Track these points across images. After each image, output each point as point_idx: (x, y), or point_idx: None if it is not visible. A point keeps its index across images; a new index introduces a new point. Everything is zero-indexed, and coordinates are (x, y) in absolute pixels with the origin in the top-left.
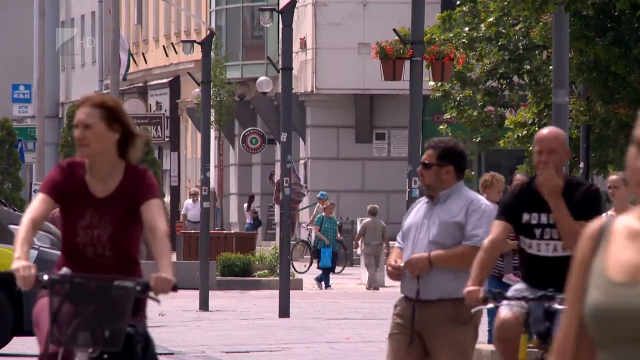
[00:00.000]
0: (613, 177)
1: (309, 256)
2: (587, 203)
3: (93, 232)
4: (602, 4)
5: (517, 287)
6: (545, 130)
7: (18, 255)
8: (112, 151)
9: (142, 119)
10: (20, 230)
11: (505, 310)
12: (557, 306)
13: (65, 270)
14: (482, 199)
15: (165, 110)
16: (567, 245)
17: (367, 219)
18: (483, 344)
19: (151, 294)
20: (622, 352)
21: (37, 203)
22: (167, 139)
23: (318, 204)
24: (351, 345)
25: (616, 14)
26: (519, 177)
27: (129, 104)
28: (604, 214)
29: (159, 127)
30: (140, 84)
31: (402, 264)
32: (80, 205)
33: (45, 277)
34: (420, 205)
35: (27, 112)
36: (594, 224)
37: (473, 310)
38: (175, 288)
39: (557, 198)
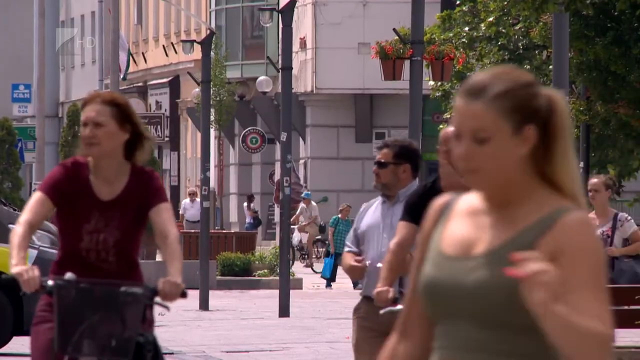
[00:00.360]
0: (593, 180)
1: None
2: None
3: (99, 237)
4: (602, 4)
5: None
6: (451, 128)
7: (16, 262)
8: (119, 152)
9: (142, 119)
10: (16, 234)
11: None
12: None
13: (70, 275)
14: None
15: (165, 110)
16: None
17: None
18: None
19: (159, 299)
20: (452, 326)
21: (35, 204)
22: (167, 139)
23: (302, 204)
24: (351, 345)
25: (616, 13)
26: None
27: None
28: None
29: (158, 127)
30: (140, 84)
31: (368, 263)
32: (85, 208)
33: (50, 282)
34: (376, 206)
35: (27, 111)
36: (439, 200)
37: (382, 311)
38: (184, 294)
39: None
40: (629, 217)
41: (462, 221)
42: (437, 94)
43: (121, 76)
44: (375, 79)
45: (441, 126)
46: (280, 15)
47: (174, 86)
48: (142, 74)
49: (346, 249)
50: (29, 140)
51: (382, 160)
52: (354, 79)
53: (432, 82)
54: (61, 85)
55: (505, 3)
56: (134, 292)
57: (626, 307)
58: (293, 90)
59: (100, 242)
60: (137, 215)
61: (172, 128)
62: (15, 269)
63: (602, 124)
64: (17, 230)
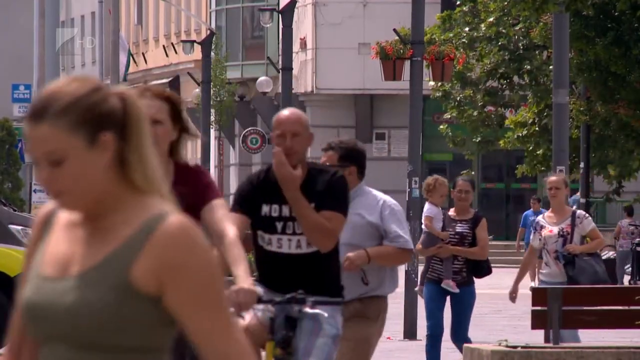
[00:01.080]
0: (553, 177)
1: None
2: (331, 192)
3: None
4: (602, 4)
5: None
6: (286, 112)
7: None
8: (166, 151)
9: None
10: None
11: (249, 316)
12: (307, 310)
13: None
14: (388, 198)
15: None
16: (311, 241)
17: None
18: (483, 344)
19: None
20: (50, 349)
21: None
22: None
23: None
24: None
25: (616, 14)
26: (461, 182)
27: None
28: (538, 217)
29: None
30: (140, 84)
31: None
32: None
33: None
34: None
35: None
36: (43, 210)
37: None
38: (260, 299)
39: (293, 188)
40: (587, 215)
41: (61, 235)
42: (437, 94)
43: (121, 77)
44: (376, 79)
45: (441, 126)
46: (280, 15)
47: (174, 86)
48: (142, 75)
49: None
50: None
51: (328, 164)
52: (354, 79)
53: (432, 83)
54: None
55: (506, 3)
56: None
57: (626, 307)
58: (293, 91)
59: None
60: (190, 212)
61: None
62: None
63: (602, 124)
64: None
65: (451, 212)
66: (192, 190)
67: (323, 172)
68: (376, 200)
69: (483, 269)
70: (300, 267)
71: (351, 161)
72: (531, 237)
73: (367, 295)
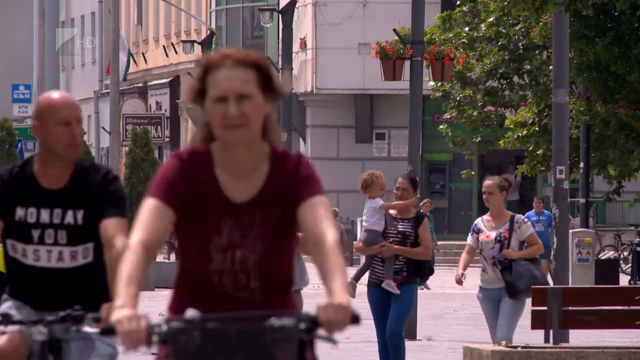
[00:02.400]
0: (487, 182)
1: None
2: (109, 196)
3: (234, 255)
4: (602, 4)
5: (7, 305)
6: (57, 95)
7: (121, 302)
8: (259, 132)
9: (142, 119)
10: (127, 261)
11: (3, 338)
12: (75, 328)
13: (192, 312)
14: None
15: (165, 110)
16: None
17: None
18: (483, 344)
19: (322, 332)
20: None
21: (150, 215)
22: (167, 139)
23: None
24: (351, 345)
25: (616, 14)
26: (400, 179)
27: (129, 104)
28: (478, 219)
29: (159, 127)
30: (140, 84)
31: None
32: (212, 216)
33: (164, 326)
34: None
35: (27, 112)
36: None
37: None
38: (355, 319)
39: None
40: (526, 220)
41: None
42: (437, 94)
43: (121, 77)
44: (376, 79)
45: (441, 126)
46: (280, 15)
47: (174, 86)
48: (142, 75)
49: None
50: (29, 141)
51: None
52: (354, 79)
53: (432, 83)
54: (61, 86)
55: (506, 3)
56: (284, 326)
57: (626, 307)
58: (293, 91)
59: (237, 262)
60: (284, 217)
61: (172, 128)
62: (117, 313)
63: (602, 124)
64: (129, 255)
65: (392, 210)
66: (290, 184)
67: (92, 171)
68: None
69: (425, 269)
70: (63, 283)
71: None
72: (469, 239)
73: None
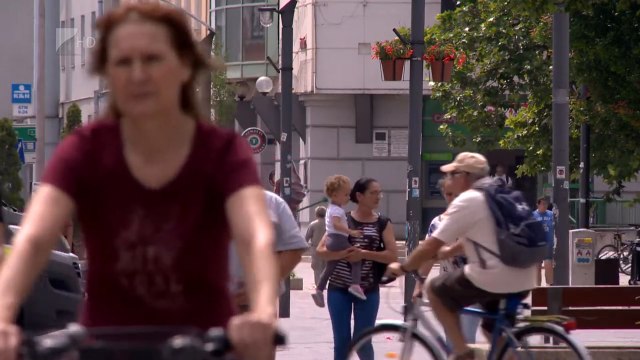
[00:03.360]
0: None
1: None
2: None
3: (146, 252)
4: (602, 4)
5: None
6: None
7: None
8: (176, 102)
9: None
10: (8, 264)
11: None
12: None
13: (74, 327)
14: (277, 195)
15: None
16: None
17: (315, 221)
18: (483, 344)
19: (232, 356)
20: None
21: (42, 206)
22: None
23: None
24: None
25: (616, 14)
26: (375, 183)
27: None
28: (436, 218)
29: None
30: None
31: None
32: (120, 205)
33: (45, 344)
34: None
35: (27, 112)
36: None
37: None
38: (279, 339)
39: None
40: None
41: None
42: (437, 94)
43: None
44: (376, 79)
45: (441, 126)
46: (280, 15)
47: None
48: None
49: None
50: (29, 141)
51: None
52: (354, 79)
53: (432, 83)
54: (61, 86)
55: (506, 3)
56: (188, 348)
57: (626, 307)
58: (293, 91)
59: (150, 261)
60: (210, 209)
61: None
62: None
63: (602, 124)
64: (12, 256)
65: (354, 214)
66: (216, 168)
67: None
68: (268, 196)
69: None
70: None
71: None
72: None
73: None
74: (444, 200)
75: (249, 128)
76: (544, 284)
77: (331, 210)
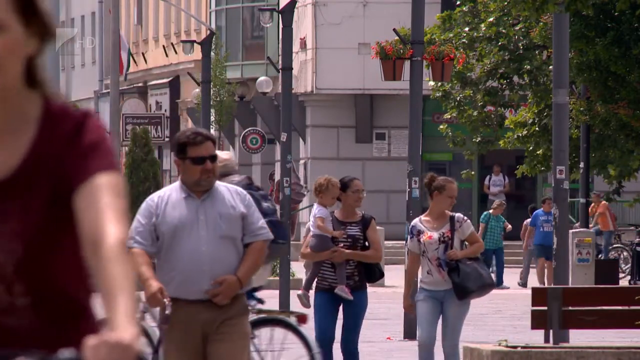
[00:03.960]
0: (454, 186)
1: None
2: None
3: None
4: (602, 4)
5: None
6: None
7: None
8: (19, 77)
9: (142, 119)
10: None
11: None
12: None
13: None
14: (238, 187)
15: (165, 110)
16: None
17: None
18: (483, 344)
19: None
20: None
21: None
22: (167, 139)
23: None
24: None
25: (616, 14)
26: (357, 181)
27: (129, 104)
28: (415, 221)
29: (159, 127)
30: (140, 84)
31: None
32: None
33: None
34: (178, 201)
35: None
36: None
37: None
38: None
39: None
40: (466, 218)
41: None
42: (437, 94)
43: (122, 77)
44: (376, 79)
45: (441, 126)
46: (280, 15)
47: (174, 86)
48: (142, 75)
49: (134, 244)
50: None
51: (214, 154)
52: (354, 79)
53: (432, 83)
54: (61, 86)
55: (506, 3)
56: None
57: (626, 307)
58: (293, 91)
59: None
60: (56, 202)
61: (172, 128)
62: None
63: (602, 124)
64: None
65: (337, 214)
66: (65, 155)
67: None
68: (231, 189)
69: (376, 273)
70: None
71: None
72: (408, 242)
73: (245, 290)
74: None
75: (249, 128)
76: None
77: (315, 211)
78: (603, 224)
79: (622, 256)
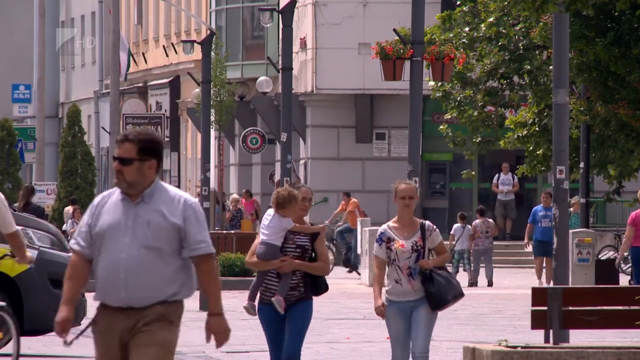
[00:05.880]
0: (404, 186)
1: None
2: None
3: None
4: (602, 4)
5: None
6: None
7: None
8: None
9: (142, 119)
10: None
11: None
12: None
13: None
14: (187, 195)
15: (165, 110)
16: None
17: None
18: (483, 344)
19: None
20: None
21: None
22: (167, 139)
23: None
24: (351, 345)
25: (616, 14)
26: (305, 189)
27: (129, 104)
28: (383, 227)
29: (159, 127)
30: (140, 84)
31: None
32: None
33: None
34: (115, 203)
35: (27, 112)
36: None
37: None
38: None
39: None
40: (435, 227)
41: None
42: (437, 94)
43: (122, 77)
44: (376, 79)
45: (441, 126)
46: (280, 15)
47: (174, 86)
48: (142, 75)
49: (74, 245)
50: (29, 141)
51: (126, 157)
52: (354, 79)
53: (432, 83)
54: (61, 86)
55: (506, 3)
56: None
57: (626, 308)
58: (293, 91)
59: None
60: None
61: (172, 128)
62: None
63: (602, 124)
64: None
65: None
66: None
67: None
68: (175, 197)
69: (321, 285)
70: None
71: (151, 154)
72: (375, 248)
73: (171, 299)
74: (444, 200)
75: (249, 128)
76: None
77: (279, 222)
78: (352, 222)
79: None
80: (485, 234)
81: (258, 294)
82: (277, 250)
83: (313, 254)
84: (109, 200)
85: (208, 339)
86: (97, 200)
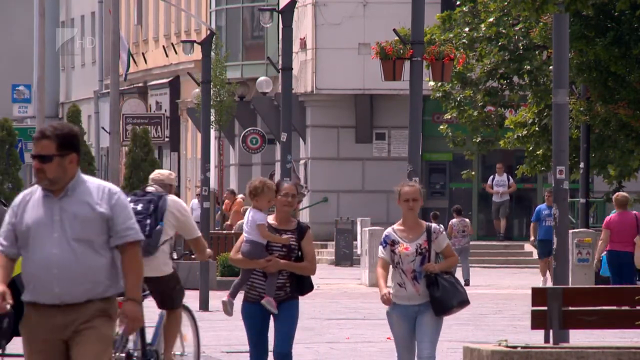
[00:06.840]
0: (408, 188)
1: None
2: None
3: None
4: (602, 4)
5: None
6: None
7: None
8: None
9: (142, 119)
10: None
11: None
12: None
13: None
14: (110, 184)
15: (165, 110)
16: None
17: None
18: (483, 344)
19: None
20: None
21: None
22: (167, 139)
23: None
24: (351, 345)
25: (616, 14)
26: (287, 185)
27: (129, 104)
28: (388, 230)
29: (159, 127)
30: (140, 84)
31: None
32: None
33: None
34: (38, 200)
35: (27, 112)
36: None
37: None
38: None
39: None
40: (442, 230)
41: None
42: (437, 95)
43: (122, 77)
44: (376, 79)
45: (441, 126)
46: (280, 15)
47: (174, 87)
48: (142, 75)
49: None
50: (29, 141)
51: (45, 154)
52: (354, 80)
53: (432, 83)
54: (61, 86)
55: (506, 3)
56: None
57: (626, 307)
58: (293, 91)
59: None
60: None
61: (172, 128)
62: None
63: (602, 124)
64: None
65: (271, 220)
66: None
67: None
68: (99, 188)
69: (306, 285)
70: None
71: (71, 148)
72: (380, 250)
73: (107, 294)
74: (444, 200)
75: (249, 128)
76: (549, 284)
77: (253, 215)
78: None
79: None
80: (462, 233)
81: (243, 292)
82: (262, 248)
83: (299, 253)
84: (31, 198)
85: (122, 322)
86: (18, 199)
